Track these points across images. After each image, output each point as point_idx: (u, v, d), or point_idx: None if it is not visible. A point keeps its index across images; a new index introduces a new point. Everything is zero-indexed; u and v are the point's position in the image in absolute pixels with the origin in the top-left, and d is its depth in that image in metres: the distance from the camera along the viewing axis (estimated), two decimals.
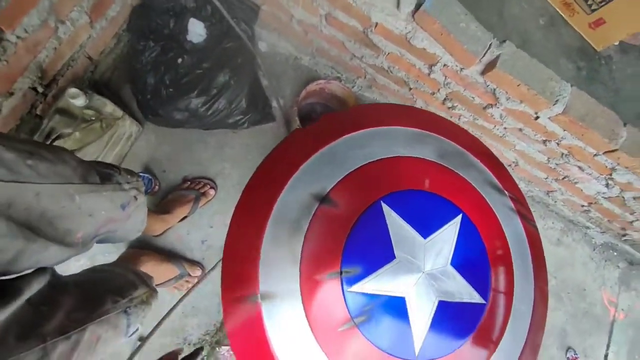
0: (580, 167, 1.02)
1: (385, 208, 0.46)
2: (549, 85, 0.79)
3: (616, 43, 1.00)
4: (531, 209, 0.59)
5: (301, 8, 0.92)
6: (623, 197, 1.06)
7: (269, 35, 1.15)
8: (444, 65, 0.86)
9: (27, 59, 0.75)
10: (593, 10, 0.94)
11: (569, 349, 1.30)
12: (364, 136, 0.52)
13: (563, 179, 1.13)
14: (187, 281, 1.05)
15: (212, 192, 1.09)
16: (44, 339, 0.45)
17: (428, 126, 0.55)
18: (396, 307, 0.43)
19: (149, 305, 0.72)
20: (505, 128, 1.01)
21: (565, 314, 1.33)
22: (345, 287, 0.43)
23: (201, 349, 0.59)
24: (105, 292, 0.61)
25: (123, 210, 0.58)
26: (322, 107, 1.20)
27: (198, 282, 0.79)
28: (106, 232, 0.57)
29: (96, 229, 0.53)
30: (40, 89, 0.84)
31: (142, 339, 0.61)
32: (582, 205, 1.24)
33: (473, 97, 0.94)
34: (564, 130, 0.87)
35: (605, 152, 0.88)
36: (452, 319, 0.45)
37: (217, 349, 1.09)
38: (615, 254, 1.42)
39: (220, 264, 0.48)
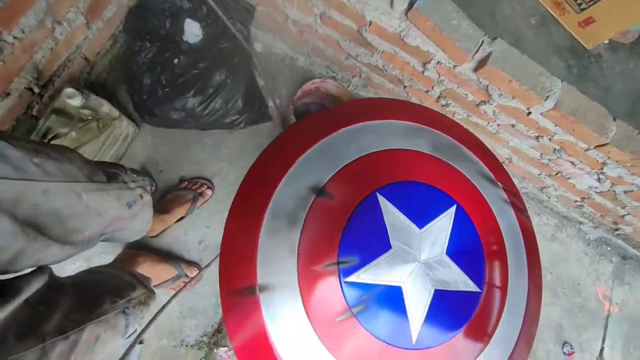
0: (572, 162, 1.04)
1: (381, 199, 0.47)
2: (540, 81, 0.81)
3: (606, 41, 1.02)
4: (526, 205, 0.61)
5: (296, 8, 0.93)
6: (614, 191, 1.08)
7: (265, 36, 1.16)
8: (438, 62, 0.87)
9: (23, 59, 0.75)
10: (583, 10, 0.96)
11: (565, 343, 1.31)
12: (359, 130, 0.53)
13: (556, 174, 1.15)
14: (184, 282, 1.05)
15: (209, 192, 1.09)
16: (43, 338, 0.45)
17: (422, 120, 0.56)
18: (393, 297, 0.44)
19: (147, 307, 0.72)
20: (498, 125, 1.02)
21: (561, 309, 1.34)
22: (342, 277, 0.44)
23: None
24: (103, 293, 0.61)
25: (129, 209, 0.58)
26: (317, 106, 1.21)
27: (193, 279, 0.79)
28: (112, 230, 0.58)
29: (103, 227, 0.54)
30: (36, 90, 0.84)
31: (137, 335, 0.61)
32: (575, 201, 1.26)
33: (466, 94, 0.95)
34: (556, 125, 0.89)
35: (596, 147, 0.89)
36: (448, 307, 0.46)
37: (215, 350, 1.08)
38: (608, 248, 1.44)
39: (215, 261, 0.48)
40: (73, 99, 0.84)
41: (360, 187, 0.48)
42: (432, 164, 0.52)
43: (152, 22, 0.96)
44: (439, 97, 1.04)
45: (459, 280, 0.47)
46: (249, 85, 1.09)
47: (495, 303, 0.49)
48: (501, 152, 1.18)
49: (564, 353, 1.30)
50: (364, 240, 0.45)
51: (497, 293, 0.50)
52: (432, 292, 0.45)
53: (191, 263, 1.08)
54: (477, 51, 0.79)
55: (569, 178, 1.13)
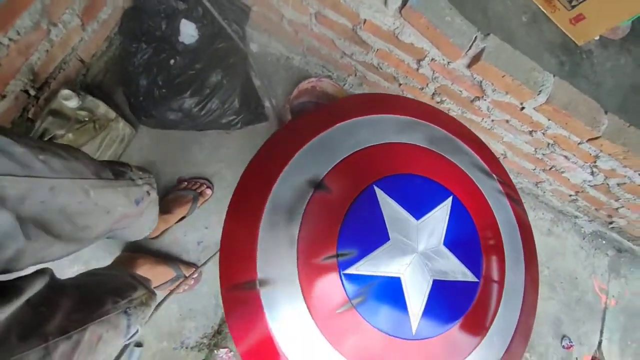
0: (566, 156, 1.05)
1: (378, 192, 0.47)
2: (533, 76, 0.82)
3: (596, 38, 1.04)
4: (520, 197, 0.61)
5: (291, 7, 0.94)
6: (608, 184, 1.09)
7: (260, 36, 1.17)
8: (432, 59, 0.88)
9: (19, 61, 0.75)
10: (573, 7, 0.98)
11: (564, 337, 1.32)
12: (355, 124, 0.53)
13: (550, 169, 1.16)
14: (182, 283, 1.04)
15: (208, 191, 1.10)
16: (45, 338, 0.44)
17: (417, 114, 0.56)
18: (392, 287, 0.45)
19: (149, 307, 0.71)
20: (492, 120, 1.03)
21: (559, 302, 1.36)
22: (341, 269, 0.44)
23: None
24: (105, 293, 0.61)
25: (137, 206, 0.58)
26: (314, 105, 1.22)
27: (190, 276, 0.79)
28: (118, 228, 0.58)
29: (111, 224, 0.54)
30: (32, 92, 0.84)
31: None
32: (570, 195, 1.27)
33: (461, 91, 0.96)
34: (549, 119, 0.90)
35: (588, 140, 0.91)
36: (447, 297, 0.47)
37: (215, 351, 1.08)
38: (604, 242, 1.46)
39: (214, 259, 0.48)
40: (69, 101, 0.84)
41: (358, 181, 0.48)
42: (428, 157, 0.53)
43: (147, 23, 0.96)
44: (433, 94, 1.05)
45: (456, 271, 0.47)
46: (245, 85, 1.09)
47: (493, 292, 0.50)
48: (496, 148, 1.19)
49: (563, 347, 1.31)
50: (362, 232, 0.46)
51: (495, 281, 0.51)
52: (431, 282, 0.46)
53: (190, 264, 1.08)
54: (470, 47, 0.80)
55: (563, 172, 1.15)
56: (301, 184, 0.49)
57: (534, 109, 0.88)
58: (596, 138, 0.88)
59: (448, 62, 0.86)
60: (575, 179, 1.15)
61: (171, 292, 0.70)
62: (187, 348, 1.05)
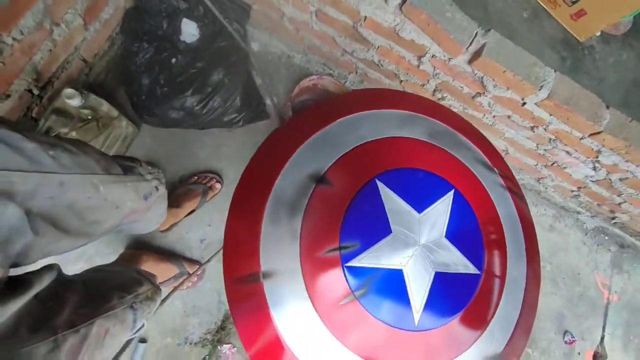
0: (567, 152, 1.05)
1: (380, 185, 0.48)
2: (534, 71, 0.82)
3: (598, 33, 1.04)
4: (522, 190, 0.62)
5: (292, 5, 0.94)
6: (610, 180, 1.09)
7: (261, 35, 1.17)
8: (433, 56, 0.89)
9: (23, 60, 0.76)
10: (574, 2, 0.98)
11: (566, 332, 1.32)
12: (356, 119, 0.54)
13: (552, 164, 1.16)
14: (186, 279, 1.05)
15: (218, 185, 1.11)
16: (54, 331, 0.45)
17: (417, 108, 0.57)
18: (394, 279, 0.45)
19: (155, 302, 0.72)
20: (494, 116, 1.03)
21: (561, 298, 1.36)
22: (344, 262, 0.45)
23: None
24: (111, 288, 0.62)
25: (145, 201, 0.59)
26: (315, 103, 1.22)
27: (194, 273, 0.79)
28: (127, 222, 0.58)
29: (120, 219, 0.54)
30: (35, 91, 0.85)
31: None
32: (572, 191, 1.27)
33: (462, 87, 0.96)
34: (550, 115, 0.90)
35: (590, 135, 0.91)
36: (449, 289, 0.47)
37: (218, 347, 1.09)
38: (606, 237, 1.46)
39: (217, 256, 0.49)
40: (73, 99, 0.84)
41: (360, 175, 0.49)
42: (430, 151, 0.53)
43: (149, 23, 0.97)
44: (434, 90, 1.05)
45: (458, 263, 0.48)
46: (247, 83, 1.10)
47: (495, 284, 0.50)
48: (498, 144, 1.19)
49: (566, 342, 1.31)
50: (364, 225, 0.46)
51: (497, 273, 0.51)
52: (433, 274, 0.46)
53: (193, 261, 1.09)
54: (471, 43, 0.80)
55: (565, 168, 1.15)
56: (303, 179, 0.49)
57: (536, 104, 0.88)
58: (598, 133, 0.88)
59: (449, 58, 0.86)
60: (578, 174, 1.15)
61: (175, 288, 0.71)
62: (191, 344, 1.06)
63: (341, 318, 0.45)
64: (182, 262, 1.04)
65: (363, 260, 0.45)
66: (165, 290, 1.01)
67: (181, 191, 1.06)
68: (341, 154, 0.50)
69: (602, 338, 1.34)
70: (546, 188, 1.35)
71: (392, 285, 0.45)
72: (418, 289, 0.45)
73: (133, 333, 0.64)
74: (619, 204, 1.21)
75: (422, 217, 0.47)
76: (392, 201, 0.47)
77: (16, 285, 0.43)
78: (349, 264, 0.45)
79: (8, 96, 0.78)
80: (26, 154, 0.40)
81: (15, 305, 0.41)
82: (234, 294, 0.47)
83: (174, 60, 0.98)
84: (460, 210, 0.49)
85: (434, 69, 0.94)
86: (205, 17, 0.99)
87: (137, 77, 0.98)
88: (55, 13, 0.78)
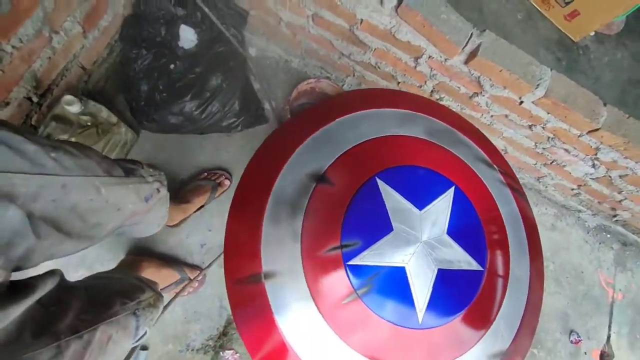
0: (566, 150, 1.05)
1: (381, 183, 0.48)
2: (530, 70, 0.83)
3: (592, 33, 1.05)
4: (522, 187, 0.62)
5: (288, 10, 0.95)
6: (610, 177, 1.09)
7: (258, 40, 1.19)
8: (429, 57, 0.89)
9: (22, 68, 0.77)
10: (567, 3, 0.99)
11: (571, 332, 1.31)
12: (355, 118, 0.54)
13: (551, 163, 1.16)
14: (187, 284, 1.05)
15: (227, 182, 1.12)
16: (57, 337, 0.45)
17: (416, 107, 0.57)
18: (397, 277, 0.45)
19: (157, 309, 0.72)
20: (492, 116, 1.04)
21: (565, 297, 1.35)
22: (346, 260, 0.45)
23: None
24: (113, 295, 0.61)
25: (146, 203, 0.59)
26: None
27: (195, 278, 0.79)
28: (128, 225, 0.58)
29: (122, 221, 0.54)
30: (35, 99, 0.85)
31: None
32: (572, 189, 1.27)
33: (459, 87, 0.97)
34: (548, 113, 0.91)
35: (588, 132, 0.91)
36: (452, 286, 0.47)
37: (220, 353, 1.07)
38: (608, 235, 1.45)
39: (217, 261, 0.48)
40: (72, 106, 0.85)
41: (360, 173, 0.49)
42: (429, 149, 0.53)
43: (147, 29, 0.98)
44: (432, 91, 1.05)
45: (461, 260, 0.47)
46: (245, 88, 1.10)
47: (498, 280, 0.50)
48: (496, 144, 1.19)
49: (571, 341, 1.30)
50: (365, 223, 0.46)
51: (500, 269, 0.51)
52: (436, 271, 0.46)
53: (194, 267, 1.08)
54: (466, 43, 0.81)
55: (564, 166, 1.15)
56: (303, 178, 0.49)
57: (533, 102, 0.89)
58: (596, 130, 0.89)
59: (445, 59, 0.87)
60: (577, 172, 1.15)
61: (177, 294, 0.71)
62: (192, 350, 1.05)
63: (344, 317, 0.44)
64: (183, 268, 1.03)
65: (365, 259, 0.44)
66: (166, 297, 1.01)
67: (190, 187, 1.07)
68: (341, 153, 0.51)
69: (609, 337, 1.32)
70: (546, 187, 1.35)
71: (395, 283, 0.45)
72: (421, 287, 0.45)
73: (135, 340, 0.64)
74: (620, 201, 1.21)
75: (423, 214, 0.47)
76: (392, 199, 0.47)
77: (18, 289, 0.42)
78: (350, 263, 0.44)
79: (7, 104, 0.78)
80: (28, 156, 0.40)
81: (18, 309, 0.40)
82: (235, 295, 0.47)
83: (172, 66, 0.98)
84: (461, 207, 0.49)
85: (431, 70, 0.95)
86: (202, 23, 1.00)
87: (136, 83, 0.98)
88: (55, 21, 0.78)
